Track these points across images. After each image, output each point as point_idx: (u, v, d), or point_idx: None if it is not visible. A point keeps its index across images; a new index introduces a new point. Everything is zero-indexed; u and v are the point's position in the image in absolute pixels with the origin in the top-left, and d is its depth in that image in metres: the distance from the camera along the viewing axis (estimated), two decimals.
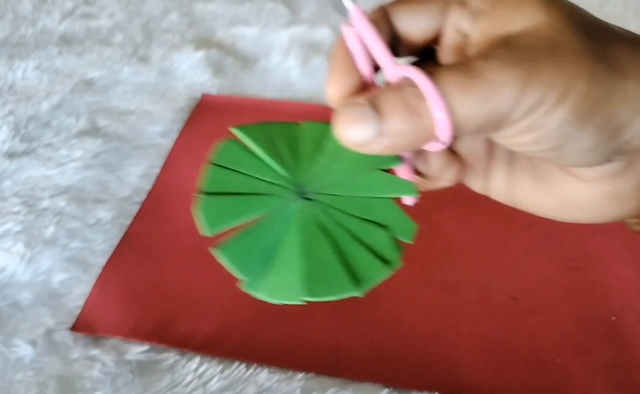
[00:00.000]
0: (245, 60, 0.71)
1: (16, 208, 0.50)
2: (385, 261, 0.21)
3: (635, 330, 0.41)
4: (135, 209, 0.51)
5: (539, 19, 0.19)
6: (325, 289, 0.20)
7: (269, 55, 0.71)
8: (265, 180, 0.23)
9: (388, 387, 0.38)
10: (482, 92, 0.18)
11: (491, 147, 0.25)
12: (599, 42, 0.19)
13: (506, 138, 0.20)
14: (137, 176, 0.54)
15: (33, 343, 0.40)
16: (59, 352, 0.40)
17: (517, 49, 0.18)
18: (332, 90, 0.22)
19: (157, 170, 0.55)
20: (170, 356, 0.40)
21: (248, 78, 0.68)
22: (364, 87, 0.23)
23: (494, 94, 0.18)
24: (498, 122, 0.19)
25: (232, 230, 0.22)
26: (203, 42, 0.74)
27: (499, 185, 0.25)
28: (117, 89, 0.66)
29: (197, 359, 0.39)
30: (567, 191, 0.22)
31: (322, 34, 0.75)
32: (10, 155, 0.56)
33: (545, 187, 0.23)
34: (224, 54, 0.71)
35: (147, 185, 0.53)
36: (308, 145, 0.24)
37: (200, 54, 0.70)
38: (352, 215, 0.22)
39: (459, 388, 0.38)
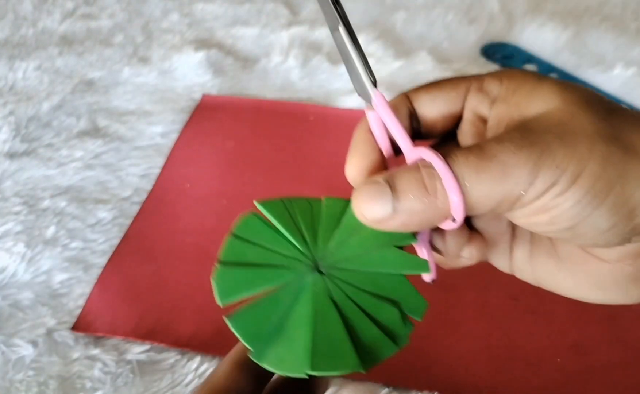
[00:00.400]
0: (245, 61, 0.71)
1: (17, 208, 0.50)
2: (393, 337, 0.21)
3: (635, 330, 0.41)
4: (135, 209, 0.51)
5: (554, 104, 0.20)
6: (330, 364, 0.20)
7: (269, 55, 0.71)
8: (282, 253, 0.24)
9: (388, 386, 0.38)
10: (494, 173, 0.19)
11: (513, 226, 0.25)
12: (612, 123, 0.19)
13: (522, 218, 0.20)
14: (137, 176, 0.54)
15: (34, 343, 0.40)
16: (60, 352, 0.40)
17: (531, 133, 0.19)
18: (351, 169, 0.24)
19: (157, 170, 0.55)
20: (170, 356, 0.40)
21: (248, 78, 0.68)
22: (383, 167, 0.24)
23: (506, 175, 0.18)
24: (511, 203, 0.19)
25: (246, 300, 0.23)
26: (203, 43, 0.74)
27: (522, 265, 0.25)
28: (118, 90, 0.66)
29: (197, 359, 0.39)
30: (588, 272, 0.23)
31: (322, 34, 0.75)
32: (11, 155, 0.56)
33: (567, 268, 0.23)
34: (224, 54, 0.71)
35: (147, 185, 0.53)
36: (327, 220, 0.25)
37: (200, 55, 0.70)
38: (364, 290, 0.23)
39: (459, 388, 0.38)
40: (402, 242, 0.24)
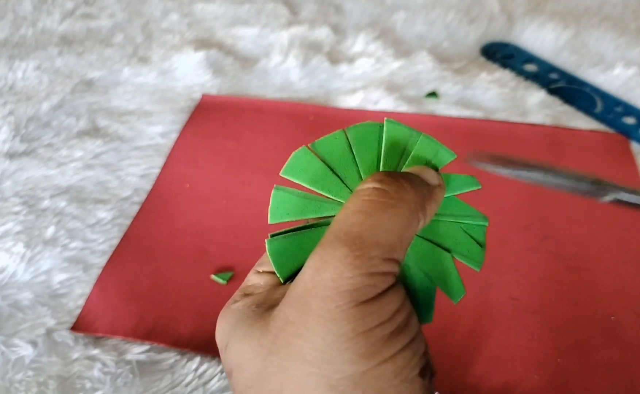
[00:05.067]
0: (245, 60, 0.71)
1: (16, 208, 0.50)
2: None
3: (635, 330, 0.40)
4: (135, 209, 0.51)
5: None
6: None
7: (269, 55, 0.71)
8: (339, 183, 0.24)
9: None
10: None
11: None
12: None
13: None
14: (137, 176, 0.54)
15: (33, 343, 0.40)
16: (59, 352, 0.40)
17: None
18: None
19: (157, 170, 0.55)
20: (170, 356, 0.40)
21: (248, 78, 0.68)
22: None
23: None
24: None
25: (291, 223, 0.23)
26: (203, 43, 0.74)
27: None
28: (117, 89, 0.66)
29: (197, 359, 0.39)
30: None
31: (322, 33, 0.75)
32: (11, 155, 0.56)
33: None
34: (224, 54, 0.71)
35: (147, 185, 0.53)
36: (388, 152, 0.24)
37: (200, 55, 0.70)
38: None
39: (459, 388, 0.38)
40: (465, 189, 0.24)
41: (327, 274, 0.18)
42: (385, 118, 0.24)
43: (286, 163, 0.25)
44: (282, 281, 0.22)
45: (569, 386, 0.38)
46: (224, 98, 0.65)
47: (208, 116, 0.62)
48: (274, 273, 0.23)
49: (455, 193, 0.24)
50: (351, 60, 0.70)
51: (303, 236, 0.23)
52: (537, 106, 0.62)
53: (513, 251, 0.46)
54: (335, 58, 0.70)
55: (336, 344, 0.18)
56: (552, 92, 0.64)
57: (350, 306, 0.18)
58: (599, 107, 0.62)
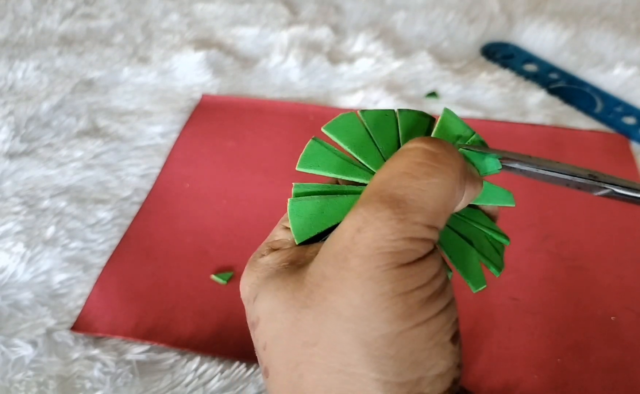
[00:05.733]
0: (245, 60, 0.71)
1: (16, 208, 0.50)
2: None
3: (635, 330, 0.40)
4: (135, 209, 0.51)
5: None
6: None
7: (269, 55, 0.71)
8: (378, 155, 0.23)
9: None
10: None
11: None
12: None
13: None
14: (137, 176, 0.54)
15: (33, 343, 0.40)
16: (59, 352, 0.40)
17: None
18: None
19: (157, 170, 0.55)
20: (170, 356, 0.40)
21: (248, 78, 0.68)
22: None
23: None
24: None
25: (319, 178, 0.23)
26: (203, 43, 0.74)
27: None
28: (117, 89, 0.66)
29: (197, 359, 0.39)
30: None
31: (322, 33, 0.75)
32: (11, 155, 0.56)
33: None
34: (224, 54, 0.71)
35: (147, 185, 0.53)
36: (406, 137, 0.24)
37: (200, 55, 0.70)
38: None
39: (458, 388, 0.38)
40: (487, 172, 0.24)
41: (369, 234, 0.18)
42: (444, 107, 0.24)
43: (331, 120, 0.24)
44: (297, 244, 0.22)
45: (569, 386, 0.38)
46: (224, 98, 0.65)
47: (208, 116, 0.62)
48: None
49: (488, 204, 0.24)
50: (351, 60, 0.70)
51: (327, 201, 0.22)
52: (537, 106, 0.62)
53: (513, 251, 0.46)
54: (335, 58, 0.70)
55: (375, 303, 0.18)
56: (552, 92, 0.64)
57: (391, 267, 0.18)
58: (599, 107, 0.62)
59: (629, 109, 0.61)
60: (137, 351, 0.40)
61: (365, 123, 0.24)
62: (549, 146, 0.57)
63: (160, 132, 0.60)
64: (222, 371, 0.38)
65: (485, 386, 0.38)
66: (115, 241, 0.48)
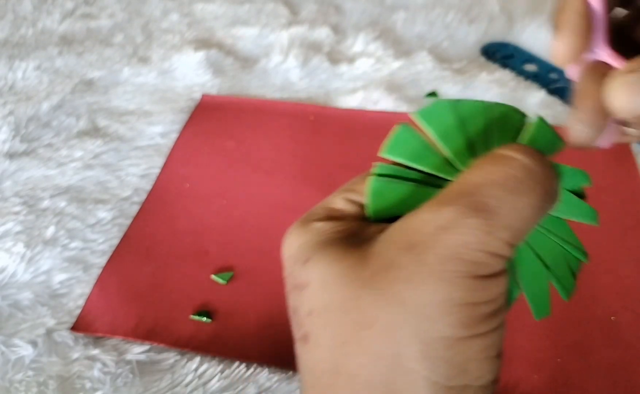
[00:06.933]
0: (245, 60, 0.71)
1: (16, 208, 0.50)
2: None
3: (635, 330, 0.40)
4: (135, 209, 0.51)
5: None
6: None
7: (269, 55, 0.71)
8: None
9: None
10: None
11: None
12: None
13: None
14: (137, 176, 0.54)
15: (33, 343, 0.40)
16: (59, 352, 0.40)
17: None
18: (562, 46, 0.22)
19: (157, 170, 0.55)
20: (170, 356, 0.40)
21: (248, 78, 0.68)
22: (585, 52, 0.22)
23: None
24: None
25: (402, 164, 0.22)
26: (203, 43, 0.74)
27: None
28: (117, 89, 0.66)
29: (197, 359, 0.39)
30: None
31: (322, 33, 0.75)
32: (11, 155, 0.56)
33: None
34: (224, 54, 0.71)
35: (147, 185, 0.53)
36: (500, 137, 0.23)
37: (200, 55, 0.70)
38: None
39: None
40: (577, 184, 0.23)
41: (452, 236, 0.18)
42: (538, 116, 0.23)
43: (423, 107, 0.22)
44: (371, 218, 0.21)
45: (569, 386, 0.38)
46: (224, 98, 0.65)
47: (208, 116, 0.62)
48: (363, 205, 0.22)
49: (570, 218, 0.23)
50: (351, 60, 0.70)
51: (408, 188, 0.21)
52: (537, 106, 0.62)
53: None
54: (335, 58, 0.70)
55: (444, 305, 0.18)
56: (552, 92, 0.64)
57: (466, 275, 0.18)
58: None
59: None
60: (137, 351, 0.40)
61: (460, 113, 0.22)
62: None
63: (160, 132, 0.60)
64: (222, 371, 0.38)
65: None
66: (115, 241, 0.48)
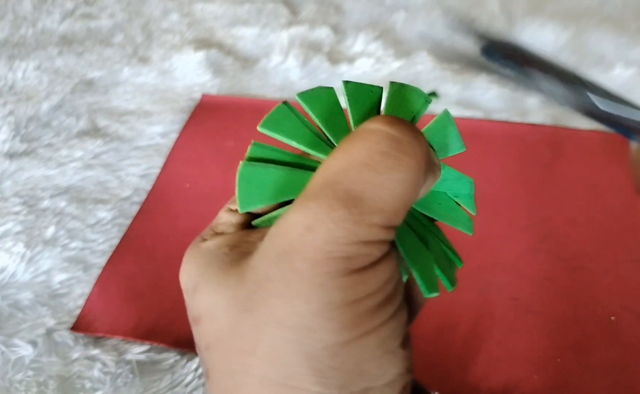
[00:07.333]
0: (245, 60, 0.71)
1: (16, 208, 0.50)
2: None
3: (635, 330, 0.40)
4: (135, 209, 0.51)
5: None
6: None
7: (269, 55, 0.71)
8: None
9: None
10: None
11: None
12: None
13: None
14: (137, 176, 0.54)
15: (33, 343, 0.40)
16: (59, 352, 0.40)
17: None
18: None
19: (157, 170, 0.55)
20: (170, 356, 0.40)
21: (248, 78, 0.68)
22: None
23: None
24: None
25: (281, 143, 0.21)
26: (203, 43, 0.74)
27: None
28: (117, 89, 0.66)
29: (197, 359, 0.39)
30: None
31: (322, 33, 0.75)
32: (11, 155, 0.56)
33: None
34: (224, 54, 0.71)
35: (147, 185, 0.53)
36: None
37: (200, 55, 0.70)
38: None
39: (458, 388, 0.38)
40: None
41: (319, 235, 0.16)
42: (390, 81, 0.21)
43: (307, 89, 0.21)
44: (240, 211, 0.19)
45: (569, 386, 0.38)
46: (224, 98, 0.65)
47: (208, 116, 0.62)
48: (247, 213, 0.20)
49: (447, 223, 0.22)
50: (351, 60, 0.70)
51: (284, 172, 0.20)
52: (537, 106, 0.62)
53: (513, 251, 0.46)
54: (335, 58, 0.70)
55: (321, 313, 0.16)
56: None
57: (341, 274, 0.16)
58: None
59: None
60: (137, 351, 0.40)
61: (345, 96, 0.21)
62: (549, 146, 0.57)
63: (160, 132, 0.60)
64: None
65: (485, 386, 0.38)
66: (115, 241, 0.48)
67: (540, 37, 0.73)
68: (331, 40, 0.74)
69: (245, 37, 0.75)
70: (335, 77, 0.67)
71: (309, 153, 0.20)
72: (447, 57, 0.70)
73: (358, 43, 0.73)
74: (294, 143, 0.20)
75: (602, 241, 0.47)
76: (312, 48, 0.72)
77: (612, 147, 0.57)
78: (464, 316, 0.42)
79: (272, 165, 0.20)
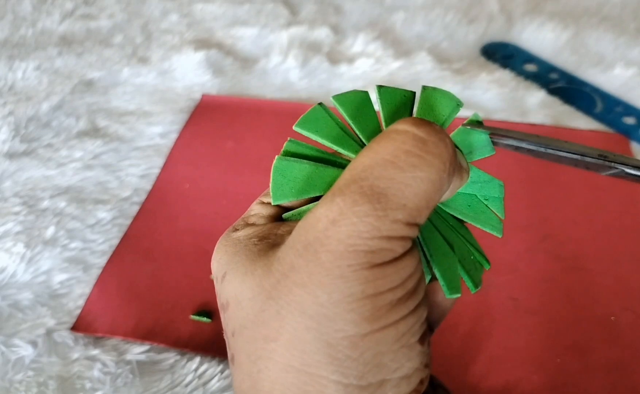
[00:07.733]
0: (245, 61, 0.71)
1: (16, 209, 0.50)
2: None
3: (635, 330, 0.41)
4: (135, 209, 0.51)
5: None
6: None
7: (269, 55, 0.71)
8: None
9: None
10: None
11: None
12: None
13: None
14: (137, 176, 0.54)
15: (33, 343, 0.40)
16: (59, 352, 0.40)
17: None
18: None
19: (157, 171, 0.55)
20: (170, 356, 0.40)
21: (248, 78, 0.68)
22: None
23: None
24: None
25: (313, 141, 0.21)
26: (203, 43, 0.74)
27: None
28: (117, 90, 0.66)
29: (197, 359, 0.39)
30: None
31: (322, 33, 0.75)
32: (11, 156, 0.56)
33: None
34: (223, 54, 0.71)
35: (147, 185, 0.53)
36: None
37: (200, 55, 0.70)
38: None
39: (458, 388, 0.38)
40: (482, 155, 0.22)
41: (343, 229, 0.17)
42: (423, 85, 0.23)
43: (342, 92, 0.22)
44: (273, 203, 0.21)
45: (569, 386, 0.38)
46: (224, 98, 0.65)
47: (208, 116, 0.62)
48: (279, 206, 0.21)
49: (476, 225, 0.22)
50: (351, 60, 0.70)
51: (316, 169, 0.20)
52: (537, 106, 0.62)
53: (513, 251, 0.46)
54: (335, 58, 0.70)
55: (342, 304, 0.17)
56: (552, 92, 0.64)
57: (363, 267, 0.17)
58: (599, 107, 0.62)
59: (629, 109, 0.61)
60: (137, 351, 0.40)
61: (378, 99, 0.22)
62: None
63: (160, 132, 0.60)
64: (222, 371, 0.38)
65: (485, 386, 0.38)
66: (115, 241, 0.48)
67: (539, 37, 0.73)
68: (331, 41, 0.74)
69: (245, 37, 0.75)
70: (335, 78, 0.67)
71: (340, 152, 0.21)
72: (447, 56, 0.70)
73: (358, 43, 0.73)
74: (326, 142, 0.21)
75: (602, 241, 0.47)
76: (311, 48, 0.72)
77: (612, 147, 0.57)
78: (463, 316, 0.42)
79: (306, 161, 0.21)
